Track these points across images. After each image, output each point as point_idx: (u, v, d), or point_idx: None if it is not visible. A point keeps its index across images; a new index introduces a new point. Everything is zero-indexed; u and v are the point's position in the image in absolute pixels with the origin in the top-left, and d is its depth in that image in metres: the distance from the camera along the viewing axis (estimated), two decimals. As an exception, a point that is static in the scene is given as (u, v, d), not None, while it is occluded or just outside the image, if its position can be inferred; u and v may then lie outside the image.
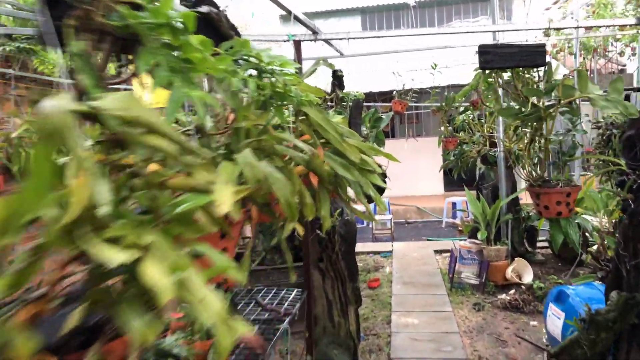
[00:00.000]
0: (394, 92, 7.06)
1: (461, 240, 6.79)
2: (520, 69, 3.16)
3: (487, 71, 3.44)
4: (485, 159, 6.92)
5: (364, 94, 5.23)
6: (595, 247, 5.10)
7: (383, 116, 5.88)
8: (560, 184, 3.06)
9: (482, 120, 7.11)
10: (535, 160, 3.38)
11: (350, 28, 15.62)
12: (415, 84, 7.28)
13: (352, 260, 4.56)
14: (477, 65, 3.16)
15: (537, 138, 3.21)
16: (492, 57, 2.98)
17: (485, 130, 6.94)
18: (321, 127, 1.42)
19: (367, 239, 9.13)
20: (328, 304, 3.48)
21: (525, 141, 3.30)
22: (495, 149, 6.57)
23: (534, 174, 3.25)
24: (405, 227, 10.25)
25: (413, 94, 6.98)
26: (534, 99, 3.05)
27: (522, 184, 7.14)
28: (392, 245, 8.22)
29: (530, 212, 6.73)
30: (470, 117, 7.09)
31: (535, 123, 3.07)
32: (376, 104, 12.03)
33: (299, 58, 3.43)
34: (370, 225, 8.96)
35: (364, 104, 5.06)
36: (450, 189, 12.38)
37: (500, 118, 6.45)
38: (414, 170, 12.30)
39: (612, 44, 11.24)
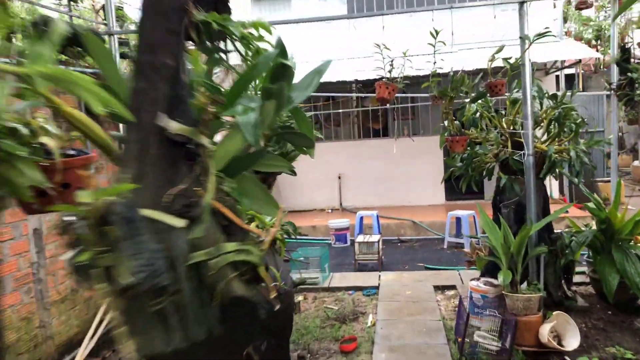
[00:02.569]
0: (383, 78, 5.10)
1: (472, 279, 4.85)
2: None
3: None
4: (506, 166, 4.97)
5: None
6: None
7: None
8: None
9: (502, 112, 5.15)
10: None
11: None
12: (411, 71, 5.34)
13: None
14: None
15: None
16: None
17: (506, 126, 5.00)
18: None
19: (348, 266, 7.17)
20: None
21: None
22: (521, 152, 4.63)
23: None
24: (398, 246, 8.30)
25: (405, 80, 5.01)
26: None
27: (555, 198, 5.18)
28: (380, 278, 6.27)
29: (571, 240, 4.79)
30: (483, 108, 5.15)
31: None
32: (361, 94, 10.07)
33: None
34: (353, 248, 7.01)
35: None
36: (453, 198, 10.43)
37: (529, 107, 4.51)
38: (408, 176, 10.37)
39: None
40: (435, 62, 4.89)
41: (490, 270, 5.03)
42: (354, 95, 10.28)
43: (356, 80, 9.18)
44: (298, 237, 8.97)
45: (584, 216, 8.11)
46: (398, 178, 10.46)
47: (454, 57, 7.43)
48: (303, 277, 6.27)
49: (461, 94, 4.69)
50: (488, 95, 4.70)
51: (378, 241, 6.82)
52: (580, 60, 9.54)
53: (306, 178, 10.74)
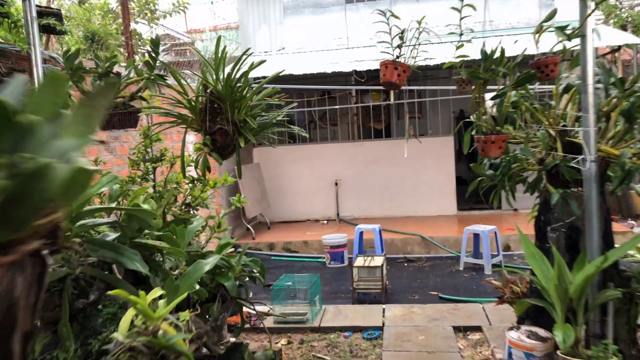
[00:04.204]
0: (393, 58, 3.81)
1: (510, 328, 3.58)
2: None
3: None
4: (555, 175, 3.70)
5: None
6: None
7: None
8: None
9: (551, 103, 3.87)
10: None
11: None
12: (421, 60, 4.06)
13: None
14: None
15: None
16: None
17: (555, 122, 3.73)
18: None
19: (344, 295, 5.89)
20: None
21: None
22: (579, 157, 3.36)
23: None
24: (404, 267, 7.01)
25: (420, 57, 3.73)
26: None
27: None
28: (384, 313, 4.99)
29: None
30: (522, 97, 3.87)
31: None
32: (362, 87, 8.78)
33: None
34: (350, 270, 5.72)
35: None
36: (466, 207, 9.14)
37: (591, 96, 3.24)
38: (415, 183, 9.09)
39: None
40: (462, 33, 3.62)
41: (533, 314, 3.76)
42: (353, 88, 8.99)
43: (355, 71, 7.90)
44: (286, 255, 7.69)
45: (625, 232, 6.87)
46: (403, 185, 9.18)
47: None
48: (287, 312, 5.00)
49: (500, 76, 3.40)
50: (536, 77, 3.42)
51: (381, 265, 5.53)
52: (620, 47, 8.29)
53: (298, 184, 9.47)
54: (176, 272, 2.36)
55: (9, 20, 3.58)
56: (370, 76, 8.01)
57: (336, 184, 9.48)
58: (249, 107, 3.50)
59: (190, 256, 2.52)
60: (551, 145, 3.64)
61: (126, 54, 5.45)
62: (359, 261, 5.71)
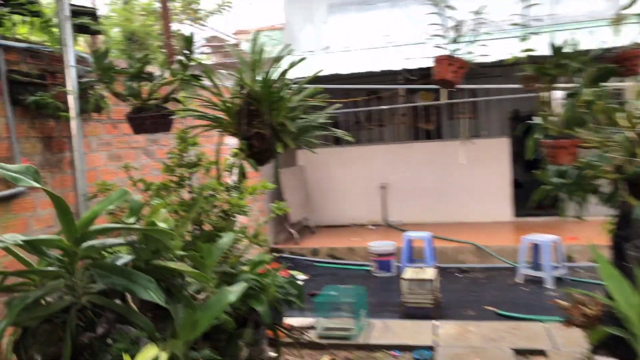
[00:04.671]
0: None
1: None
2: None
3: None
4: (636, 185, 3.22)
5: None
6: None
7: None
8: None
9: (632, 102, 3.38)
10: None
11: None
12: (479, 56, 3.65)
13: None
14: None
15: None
16: None
17: (629, 123, 3.24)
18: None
19: (392, 307, 5.51)
20: None
21: None
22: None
23: None
24: (457, 279, 6.57)
25: (478, 53, 3.34)
26: None
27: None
28: (437, 331, 4.60)
29: None
30: (596, 96, 3.40)
31: None
32: (411, 86, 8.35)
33: None
34: (398, 280, 5.35)
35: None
36: (523, 213, 8.57)
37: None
38: (468, 186, 8.60)
39: None
40: (526, 25, 3.21)
41: (611, 343, 3.29)
42: (401, 87, 8.58)
43: (404, 69, 7.51)
44: (331, 262, 7.39)
45: None
46: (455, 189, 8.69)
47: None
48: (331, 326, 4.69)
49: (576, 70, 2.97)
50: (617, 74, 2.97)
51: (434, 279, 5.13)
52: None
53: (343, 187, 9.15)
54: (203, 295, 2.10)
55: (41, 20, 3.43)
56: (420, 75, 7.59)
57: (383, 187, 9.10)
58: (288, 109, 3.21)
59: (220, 277, 2.26)
60: (632, 151, 3.17)
61: (167, 56, 5.29)
62: (409, 273, 5.33)
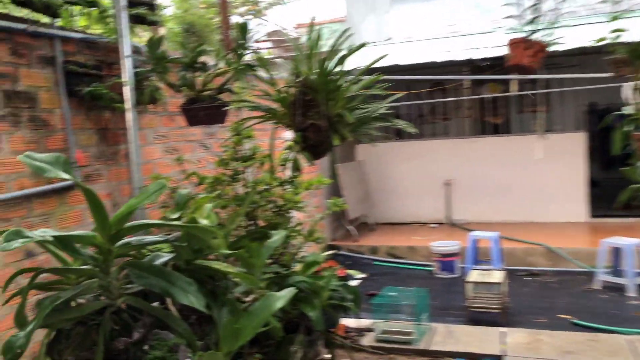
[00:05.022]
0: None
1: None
2: None
3: None
4: None
5: None
6: None
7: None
8: None
9: None
10: None
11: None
12: (558, 40, 3.27)
13: None
14: None
15: None
16: None
17: None
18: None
19: (456, 311, 5.21)
20: None
21: None
22: None
23: None
24: (527, 282, 6.14)
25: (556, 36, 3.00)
26: None
27: None
28: (504, 339, 4.26)
29: None
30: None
31: None
32: (478, 76, 7.92)
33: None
34: (462, 282, 5.04)
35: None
36: (600, 214, 7.95)
37: None
38: (539, 184, 8.08)
39: None
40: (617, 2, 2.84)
41: None
42: (467, 78, 8.15)
43: (470, 60, 7.11)
44: (390, 261, 7.14)
45: None
46: (524, 186, 8.17)
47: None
48: (391, 329, 4.45)
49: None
50: None
51: (501, 282, 4.78)
52: None
53: (405, 183, 8.85)
54: (250, 298, 1.94)
55: (98, 10, 3.40)
56: (488, 65, 7.17)
57: (447, 184, 8.71)
58: (346, 99, 3.00)
59: (270, 278, 2.09)
60: None
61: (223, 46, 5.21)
62: (474, 275, 5.00)
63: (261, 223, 3.56)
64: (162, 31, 4.41)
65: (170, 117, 4.16)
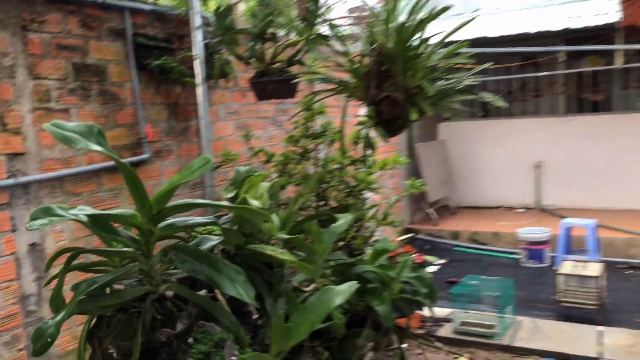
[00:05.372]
0: None
1: None
2: None
3: None
4: None
5: None
6: None
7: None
8: None
9: None
10: None
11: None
12: None
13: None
14: None
15: None
16: None
17: None
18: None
19: (544, 305, 4.78)
20: None
21: None
22: None
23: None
24: (627, 277, 5.54)
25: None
26: None
27: None
28: (602, 339, 3.82)
29: None
30: None
31: None
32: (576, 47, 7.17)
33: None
34: (552, 273, 4.59)
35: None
36: None
37: None
38: (644, 166, 7.28)
39: None
40: None
41: None
42: (564, 49, 7.42)
43: (567, 29, 6.44)
44: (473, 247, 6.75)
45: None
46: (627, 170, 7.38)
47: None
48: (471, 321, 4.15)
49: None
50: None
51: (599, 275, 4.30)
52: None
53: (490, 164, 8.31)
54: (310, 287, 1.74)
55: (169, -18, 3.30)
56: (588, 36, 6.47)
57: (538, 166, 8.07)
58: (427, 70, 2.70)
59: (334, 267, 1.89)
60: None
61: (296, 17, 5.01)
62: (567, 266, 4.54)
63: (334, 205, 3.37)
64: (233, 1, 4.26)
65: (242, 93, 4.04)
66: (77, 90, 2.80)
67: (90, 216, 1.30)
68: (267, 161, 3.28)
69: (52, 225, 2.63)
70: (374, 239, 3.38)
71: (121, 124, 3.06)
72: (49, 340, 1.21)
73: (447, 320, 4.25)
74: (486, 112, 8.73)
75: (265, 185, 1.65)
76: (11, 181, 2.45)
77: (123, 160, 3.04)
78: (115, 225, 1.38)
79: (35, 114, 2.61)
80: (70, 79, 2.77)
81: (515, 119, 8.65)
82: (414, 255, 4.19)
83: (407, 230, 7.28)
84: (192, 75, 3.34)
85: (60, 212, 1.23)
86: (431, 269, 5.97)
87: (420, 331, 4.14)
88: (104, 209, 2.80)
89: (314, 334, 1.82)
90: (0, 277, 2.46)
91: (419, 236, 7.30)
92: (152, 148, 3.23)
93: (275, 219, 1.81)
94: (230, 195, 1.69)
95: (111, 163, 2.99)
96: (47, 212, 1.22)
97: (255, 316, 1.59)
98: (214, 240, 1.47)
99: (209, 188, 3.44)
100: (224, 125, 3.90)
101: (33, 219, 1.21)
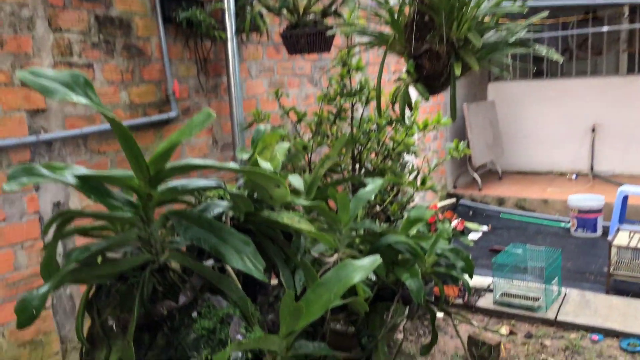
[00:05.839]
0: None
1: None
2: None
3: None
4: None
5: None
6: None
7: None
8: None
9: None
10: None
11: None
12: None
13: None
14: None
15: None
16: None
17: None
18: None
19: (594, 277, 4.51)
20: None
21: None
22: None
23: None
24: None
25: None
26: None
27: None
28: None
29: None
30: None
31: None
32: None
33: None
34: (606, 244, 4.29)
35: None
36: None
37: None
38: None
39: None
40: None
41: None
42: (628, 1, 6.81)
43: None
44: (519, 213, 6.44)
45: None
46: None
47: None
48: (513, 292, 3.94)
49: None
50: None
51: (656, 248, 3.98)
52: None
53: (541, 127, 7.87)
54: (333, 258, 1.59)
55: None
56: None
57: (593, 130, 7.58)
58: (474, 20, 2.43)
59: (362, 236, 1.72)
60: None
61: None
62: (622, 237, 4.23)
63: (371, 169, 3.19)
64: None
65: (276, 48, 3.85)
66: (100, 45, 2.68)
67: (80, 177, 1.17)
68: (299, 121, 3.11)
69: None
70: (412, 204, 3.19)
71: (147, 80, 2.94)
72: (34, 312, 1.12)
73: (488, 290, 4.07)
74: (539, 71, 8.20)
75: (283, 146, 1.49)
76: (33, 138, 2.38)
77: (150, 119, 2.96)
78: (113, 188, 1.26)
79: (57, 69, 2.51)
80: (93, 32, 2.65)
81: (571, 79, 8.10)
82: (454, 223, 3.98)
83: (450, 196, 7.01)
84: (222, 29, 3.16)
85: (44, 171, 1.11)
86: (474, 236, 5.73)
87: (459, 301, 3.98)
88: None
89: (339, 308, 1.68)
90: (24, 236, 2.43)
91: (462, 202, 7.03)
92: (180, 106, 3.11)
93: (298, 183, 1.66)
94: (245, 156, 1.54)
95: (139, 121, 2.89)
96: (28, 171, 1.10)
97: (274, 289, 1.47)
98: (221, 207, 1.33)
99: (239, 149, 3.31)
100: (256, 83, 3.73)
101: (11, 178, 1.09)
